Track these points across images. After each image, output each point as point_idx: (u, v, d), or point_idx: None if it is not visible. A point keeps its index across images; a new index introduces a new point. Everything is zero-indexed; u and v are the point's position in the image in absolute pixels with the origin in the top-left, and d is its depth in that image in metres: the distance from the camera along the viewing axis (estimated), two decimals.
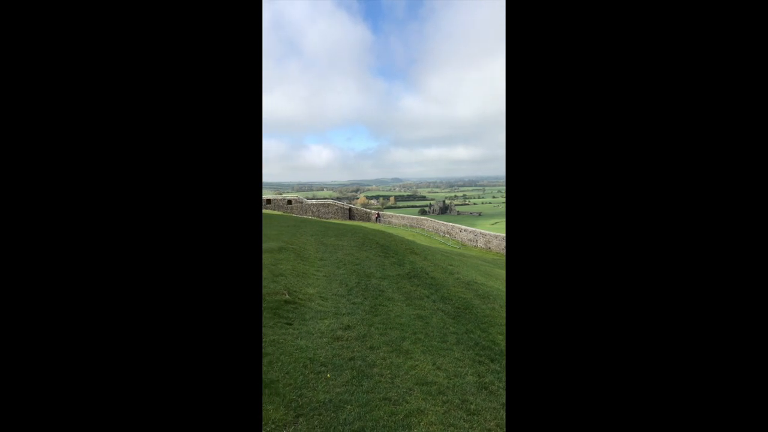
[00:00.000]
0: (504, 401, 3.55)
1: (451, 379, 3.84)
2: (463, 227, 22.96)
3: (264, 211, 29.06)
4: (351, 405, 3.13)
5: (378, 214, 33.32)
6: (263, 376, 3.31)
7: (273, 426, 2.72)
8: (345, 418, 2.95)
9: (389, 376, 3.71)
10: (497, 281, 10.32)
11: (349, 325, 4.93)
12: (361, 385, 3.46)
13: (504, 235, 19.83)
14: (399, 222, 30.90)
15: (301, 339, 4.31)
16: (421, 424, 3.00)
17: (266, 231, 12.17)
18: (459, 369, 4.11)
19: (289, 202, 32.90)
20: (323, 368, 3.70)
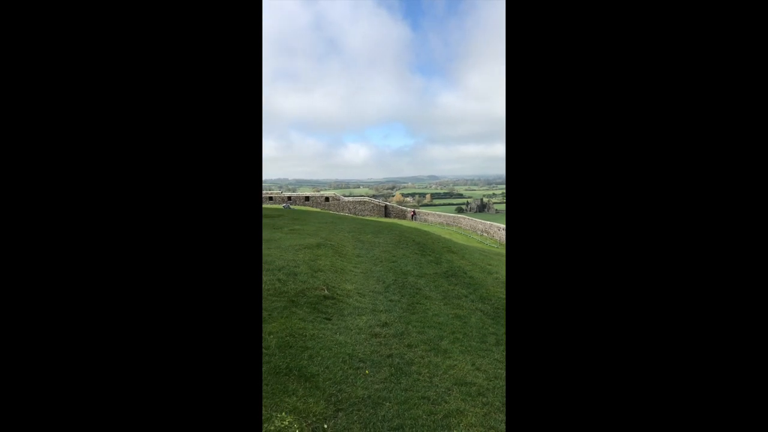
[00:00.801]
0: None
1: (491, 380, 3.76)
2: (502, 226, 22.44)
3: (303, 207, 29.71)
4: (389, 402, 3.14)
5: (414, 211, 33.22)
6: (304, 370, 3.38)
7: (314, 419, 2.77)
8: (384, 415, 2.95)
9: (427, 375, 3.69)
10: None
11: (386, 323, 4.94)
12: (400, 383, 3.45)
13: None
14: (435, 220, 30.67)
15: (339, 334, 4.36)
16: (461, 425, 2.96)
17: (305, 227, 12.43)
18: (499, 371, 4.02)
19: (327, 199, 33.46)
20: (362, 364, 3.73)
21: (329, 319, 4.83)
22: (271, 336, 3.94)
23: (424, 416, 3.01)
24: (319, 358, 3.67)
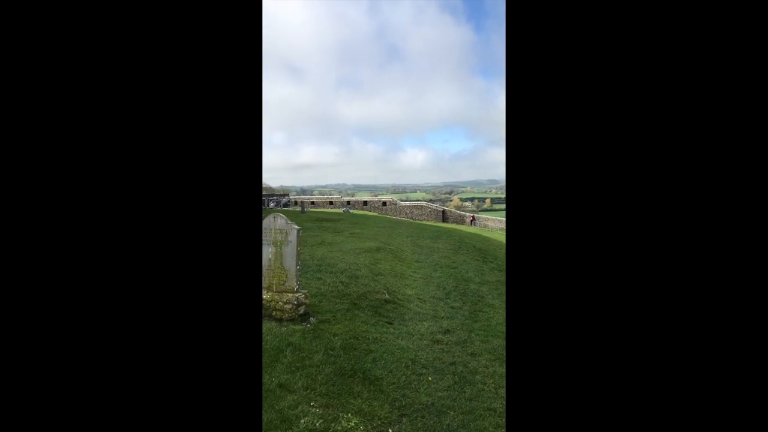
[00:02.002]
0: None
1: None
2: None
3: (361, 211, 30.26)
4: (454, 411, 3.08)
5: (473, 216, 32.53)
6: (368, 373, 3.43)
7: (379, 422, 2.79)
8: (448, 424, 2.90)
9: (493, 385, 3.57)
10: None
11: (448, 329, 4.87)
12: (464, 392, 3.38)
13: None
14: (496, 225, 29.75)
15: (401, 339, 4.37)
16: None
17: (364, 231, 12.64)
18: None
19: (384, 203, 33.78)
20: (424, 370, 3.70)
21: (391, 323, 4.85)
22: (336, 337, 4.04)
23: (491, 429, 2.91)
24: (383, 362, 3.69)
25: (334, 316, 4.67)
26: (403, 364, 3.73)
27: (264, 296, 4.38)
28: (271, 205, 25.17)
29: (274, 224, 4.53)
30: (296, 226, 4.52)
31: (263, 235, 4.54)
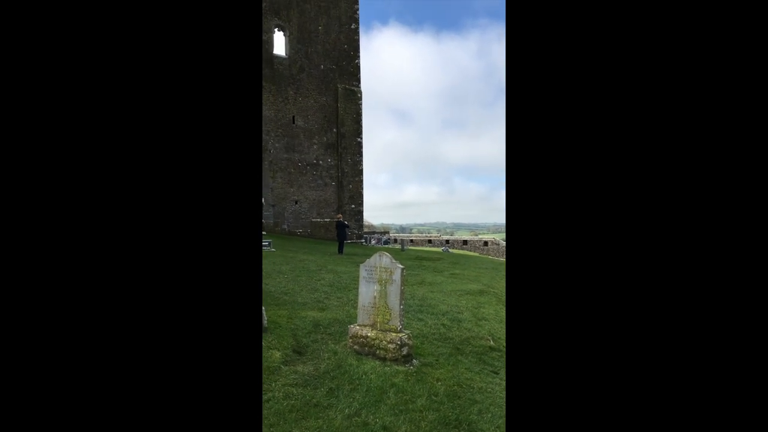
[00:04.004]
0: None
1: None
2: None
3: (460, 251, 29.68)
4: None
5: None
6: (474, 425, 3.24)
7: None
8: None
9: None
10: None
11: None
12: None
13: None
14: None
15: None
16: None
17: (465, 272, 12.32)
18: None
19: (485, 243, 32.72)
20: None
21: (496, 373, 4.56)
22: (440, 383, 3.92)
23: None
24: (489, 415, 3.46)
25: (436, 360, 4.56)
26: None
27: (368, 334, 4.48)
28: (373, 242, 26.13)
29: (379, 262, 4.68)
30: (400, 265, 4.61)
31: (369, 273, 4.71)
